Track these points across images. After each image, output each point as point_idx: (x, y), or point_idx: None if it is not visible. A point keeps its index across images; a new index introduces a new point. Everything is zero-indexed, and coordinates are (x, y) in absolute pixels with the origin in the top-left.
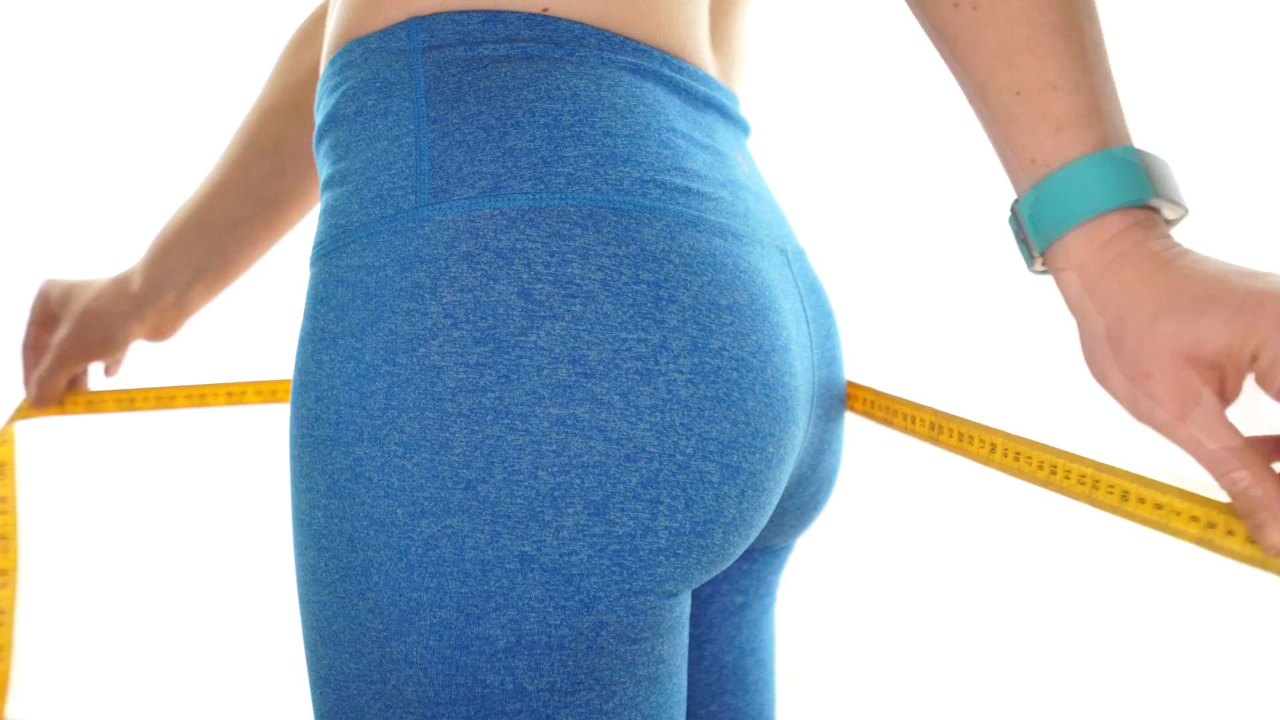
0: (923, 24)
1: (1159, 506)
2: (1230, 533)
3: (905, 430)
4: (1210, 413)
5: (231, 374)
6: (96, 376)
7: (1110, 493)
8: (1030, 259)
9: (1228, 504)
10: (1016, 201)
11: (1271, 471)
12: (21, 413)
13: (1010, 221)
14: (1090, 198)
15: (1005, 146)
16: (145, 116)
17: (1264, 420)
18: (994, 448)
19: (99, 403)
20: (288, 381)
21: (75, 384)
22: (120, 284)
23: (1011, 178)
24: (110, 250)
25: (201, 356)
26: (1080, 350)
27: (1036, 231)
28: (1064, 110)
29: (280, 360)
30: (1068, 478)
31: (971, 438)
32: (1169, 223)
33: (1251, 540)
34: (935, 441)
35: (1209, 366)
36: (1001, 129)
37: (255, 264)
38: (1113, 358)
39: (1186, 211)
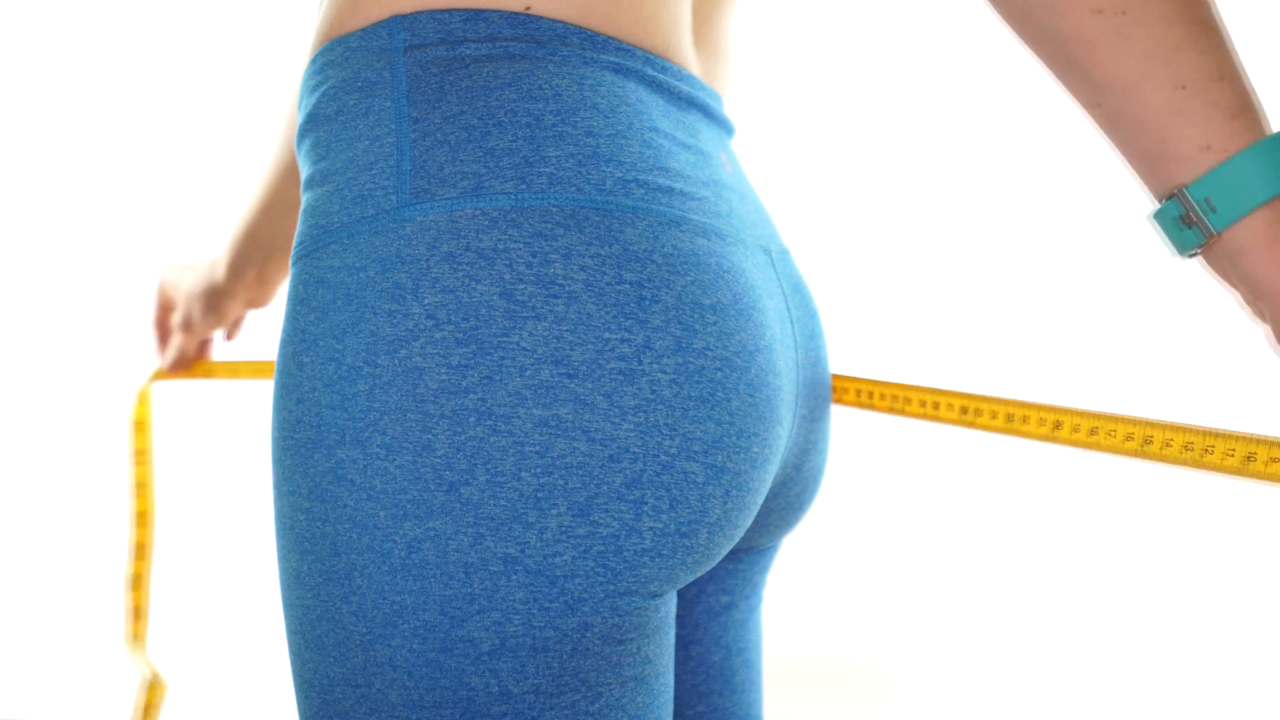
0: (1036, 31)
1: (1187, 447)
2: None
3: (898, 413)
4: None
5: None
6: (220, 344)
7: (1111, 436)
8: (1197, 244)
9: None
10: (1183, 189)
11: None
12: (157, 376)
13: (1159, 215)
14: (1272, 176)
15: (1163, 139)
16: (144, 117)
17: None
18: (995, 415)
19: (215, 370)
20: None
21: (202, 351)
22: (210, 268)
23: (1164, 171)
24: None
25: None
26: (1273, 329)
27: (1218, 213)
28: (1231, 99)
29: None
30: (1076, 431)
31: (974, 409)
32: None
33: None
34: (935, 419)
35: None
36: (1159, 123)
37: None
38: None
39: None
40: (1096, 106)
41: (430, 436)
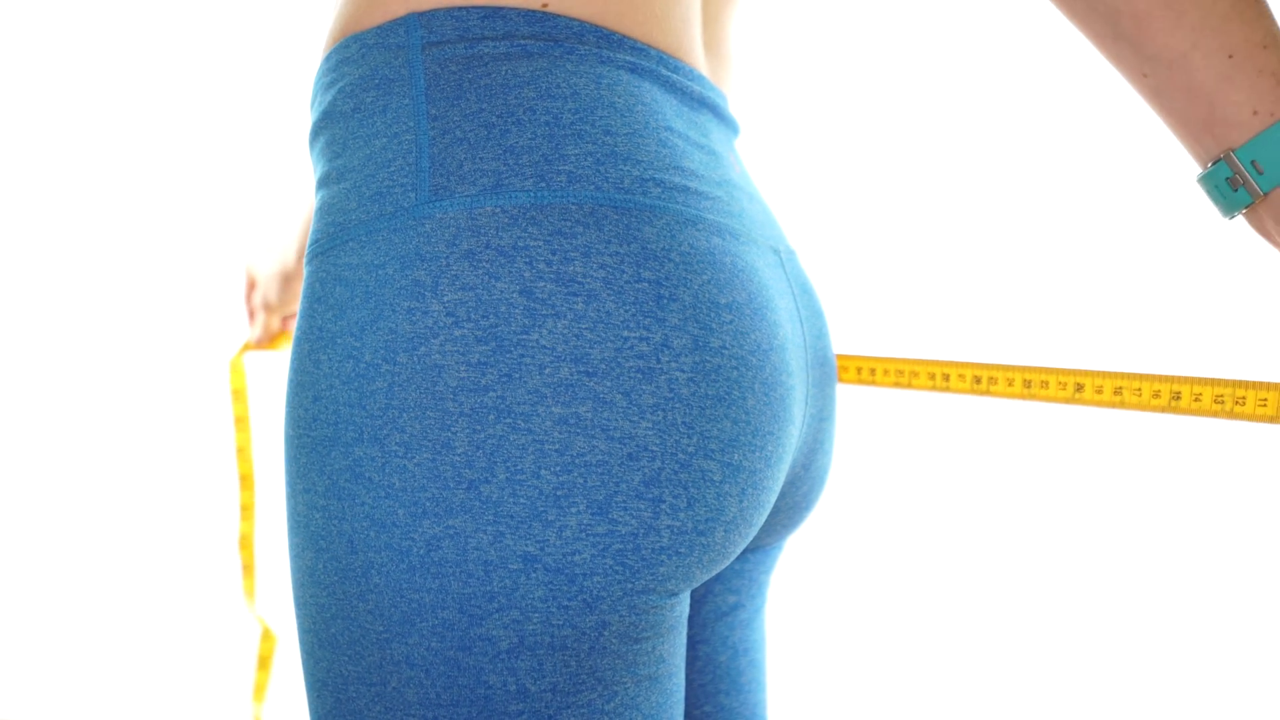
0: (1084, 7)
1: (1218, 400)
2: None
3: (904, 386)
4: None
5: (217, 387)
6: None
7: (1138, 395)
8: (1244, 205)
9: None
10: (1231, 153)
11: None
12: (246, 348)
13: (1208, 177)
14: None
15: (1212, 106)
16: (142, 116)
17: None
18: (1011, 381)
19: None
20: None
21: (285, 326)
22: (282, 252)
23: (1212, 135)
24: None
25: (188, 367)
26: None
27: (1265, 175)
28: (1277, 66)
29: (276, 366)
30: (1100, 393)
31: (988, 378)
32: None
33: None
34: (947, 389)
35: None
36: (1209, 91)
37: None
38: None
39: None
40: (1144, 77)
41: (449, 434)
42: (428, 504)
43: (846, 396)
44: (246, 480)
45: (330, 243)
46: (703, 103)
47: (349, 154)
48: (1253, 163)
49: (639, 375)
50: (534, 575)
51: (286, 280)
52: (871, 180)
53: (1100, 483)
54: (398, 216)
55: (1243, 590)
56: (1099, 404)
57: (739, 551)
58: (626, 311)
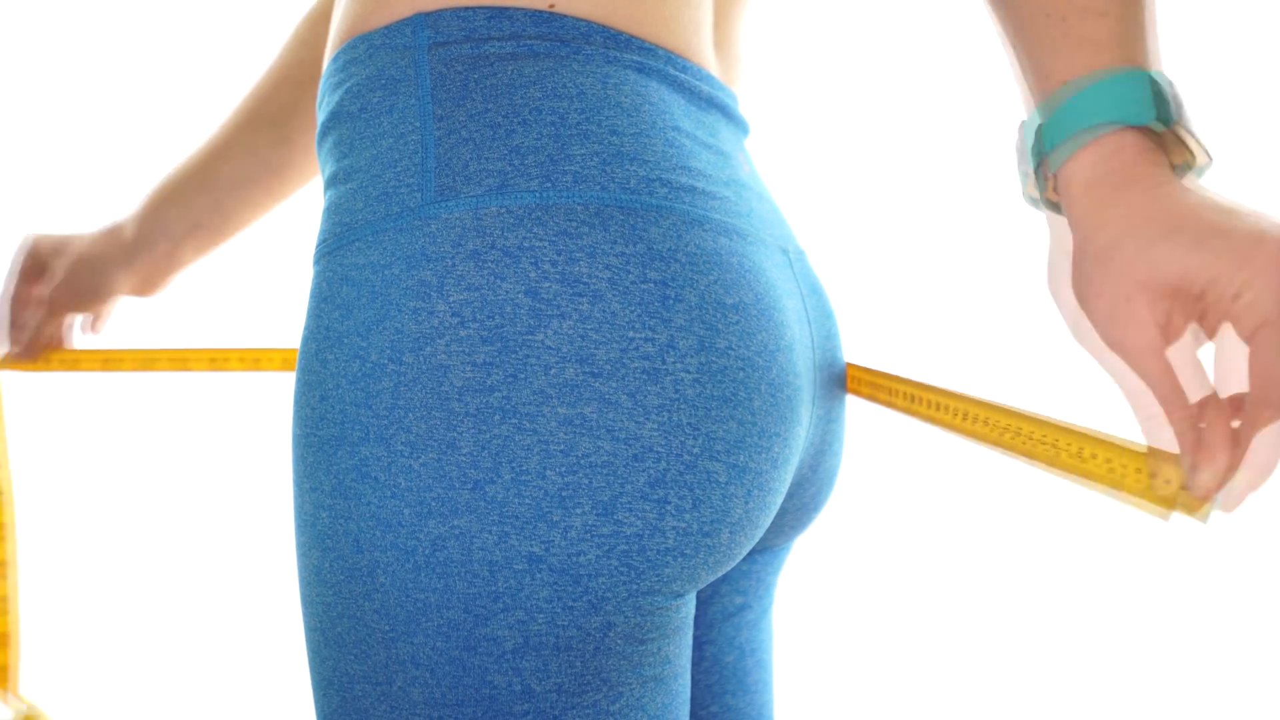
0: None
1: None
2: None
3: (905, 410)
4: (1180, 350)
5: (227, 385)
6: (80, 336)
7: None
8: (1032, 178)
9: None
10: (1034, 120)
11: (1190, 417)
12: (4, 364)
13: (1018, 145)
14: (1102, 111)
15: (1028, 67)
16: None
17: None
18: (989, 423)
19: (81, 361)
20: (271, 350)
21: (58, 341)
22: (113, 233)
23: (1032, 97)
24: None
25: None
26: (1069, 261)
27: (1049, 146)
28: (1090, 31)
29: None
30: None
31: (972, 416)
32: (1190, 169)
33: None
34: (933, 420)
35: (1192, 299)
36: (1028, 49)
37: (250, 226)
38: (1091, 275)
39: (1210, 160)
40: (1000, 25)
41: (455, 434)
42: (433, 504)
43: (854, 399)
44: (5, 529)
45: (337, 243)
46: (712, 102)
47: (355, 154)
48: (1046, 129)
49: (644, 376)
50: (539, 576)
51: (106, 270)
52: (885, 180)
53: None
54: (404, 217)
55: (1253, 596)
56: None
57: (745, 553)
58: (632, 312)
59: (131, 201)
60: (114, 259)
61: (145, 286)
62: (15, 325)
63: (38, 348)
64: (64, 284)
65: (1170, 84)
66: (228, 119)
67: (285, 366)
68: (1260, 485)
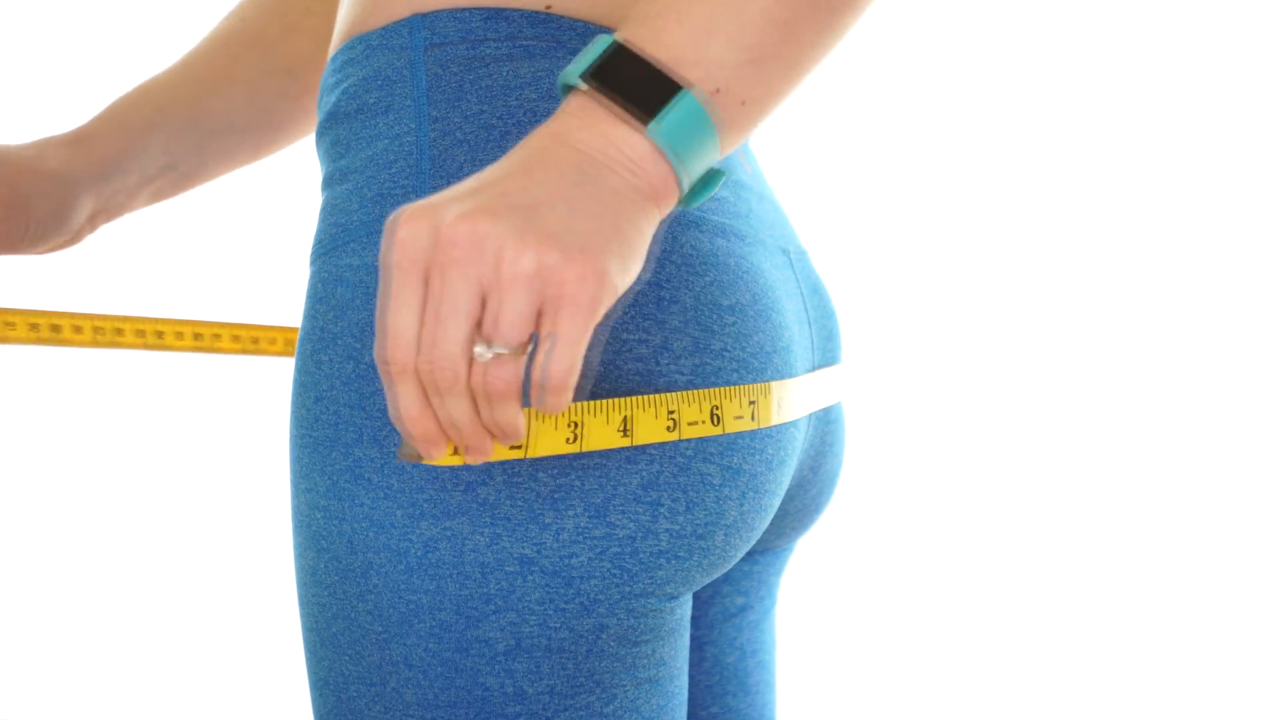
0: None
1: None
2: None
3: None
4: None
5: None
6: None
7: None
8: None
9: None
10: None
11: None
12: None
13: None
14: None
15: None
16: None
17: None
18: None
19: (15, 326)
20: (272, 329)
21: None
22: (80, 143)
23: None
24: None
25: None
26: None
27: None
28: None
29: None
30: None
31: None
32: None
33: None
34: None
35: None
36: None
37: (210, 182)
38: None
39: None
40: None
41: None
42: (425, 505)
43: (859, 399)
44: None
45: (332, 243)
46: None
47: (352, 155)
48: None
49: (637, 378)
50: (531, 578)
51: (59, 188)
52: (889, 179)
53: (1114, 484)
54: None
55: (1237, 591)
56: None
57: (741, 555)
58: (626, 314)
59: (99, 108)
60: (85, 178)
61: (91, 221)
62: None
63: None
64: (14, 206)
65: (618, 46)
66: (220, 48)
67: (287, 350)
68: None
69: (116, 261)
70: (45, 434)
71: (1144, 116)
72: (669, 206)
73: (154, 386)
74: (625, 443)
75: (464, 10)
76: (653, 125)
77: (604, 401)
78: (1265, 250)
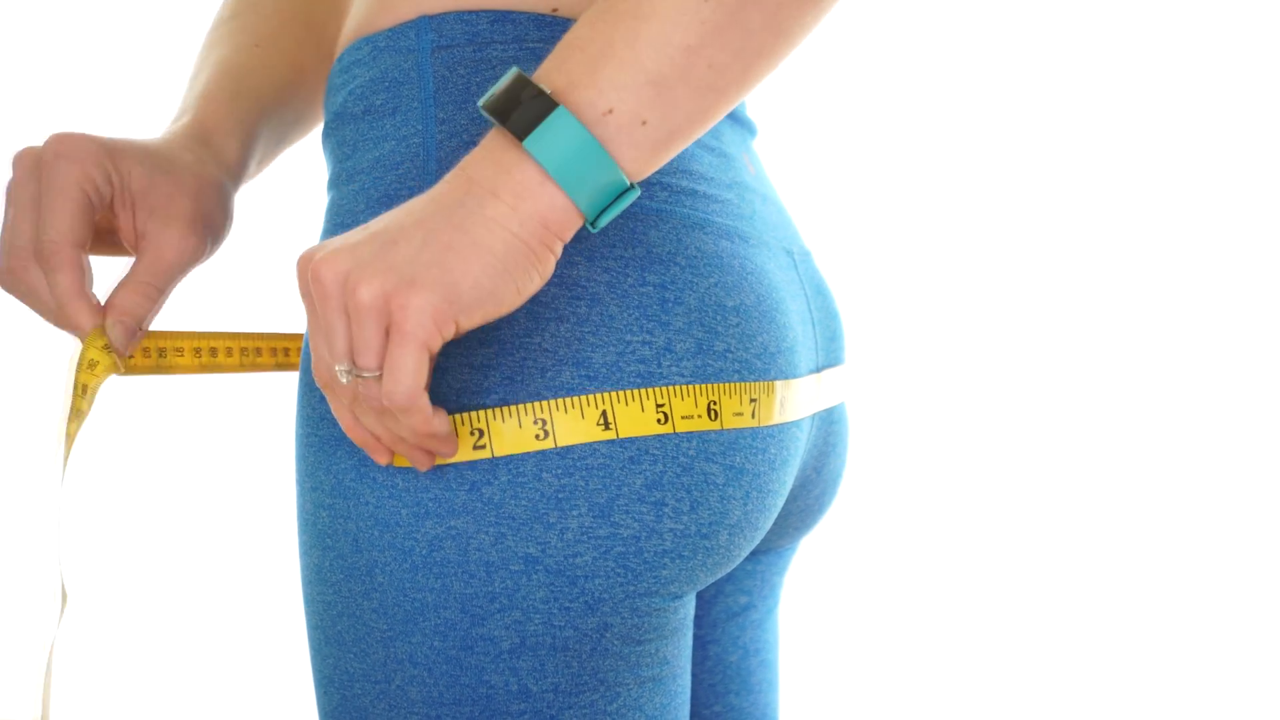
0: None
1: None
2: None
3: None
4: None
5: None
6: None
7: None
8: None
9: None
10: None
11: None
12: (101, 361)
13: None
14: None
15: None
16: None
17: None
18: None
19: (183, 354)
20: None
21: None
22: (208, 144)
23: None
24: None
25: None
26: None
27: None
28: (589, 46)
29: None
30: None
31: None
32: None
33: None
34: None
35: None
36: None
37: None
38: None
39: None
40: None
41: None
42: (430, 504)
43: (860, 400)
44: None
45: None
46: None
47: (358, 156)
48: None
49: (640, 380)
50: (535, 576)
51: (217, 192)
52: (892, 180)
53: (1115, 485)
54: None
55: (1237, 591)
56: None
57: (745, 554)
58: (630, 315)
59: (206, 99)
60: (231, 182)
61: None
62: (77, 291)
63: (135, 323)
64: (199, 223)
65: (514, 80)
66: (283, 30)
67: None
68: None
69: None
70: (44, 434)
71: (1145, 117)
72: (569, 229)
73: (155, 387)
74: (609, 435)
75: (471, 13)
76: (529, 142)
77: (576, 398)
78: (1265, 250)
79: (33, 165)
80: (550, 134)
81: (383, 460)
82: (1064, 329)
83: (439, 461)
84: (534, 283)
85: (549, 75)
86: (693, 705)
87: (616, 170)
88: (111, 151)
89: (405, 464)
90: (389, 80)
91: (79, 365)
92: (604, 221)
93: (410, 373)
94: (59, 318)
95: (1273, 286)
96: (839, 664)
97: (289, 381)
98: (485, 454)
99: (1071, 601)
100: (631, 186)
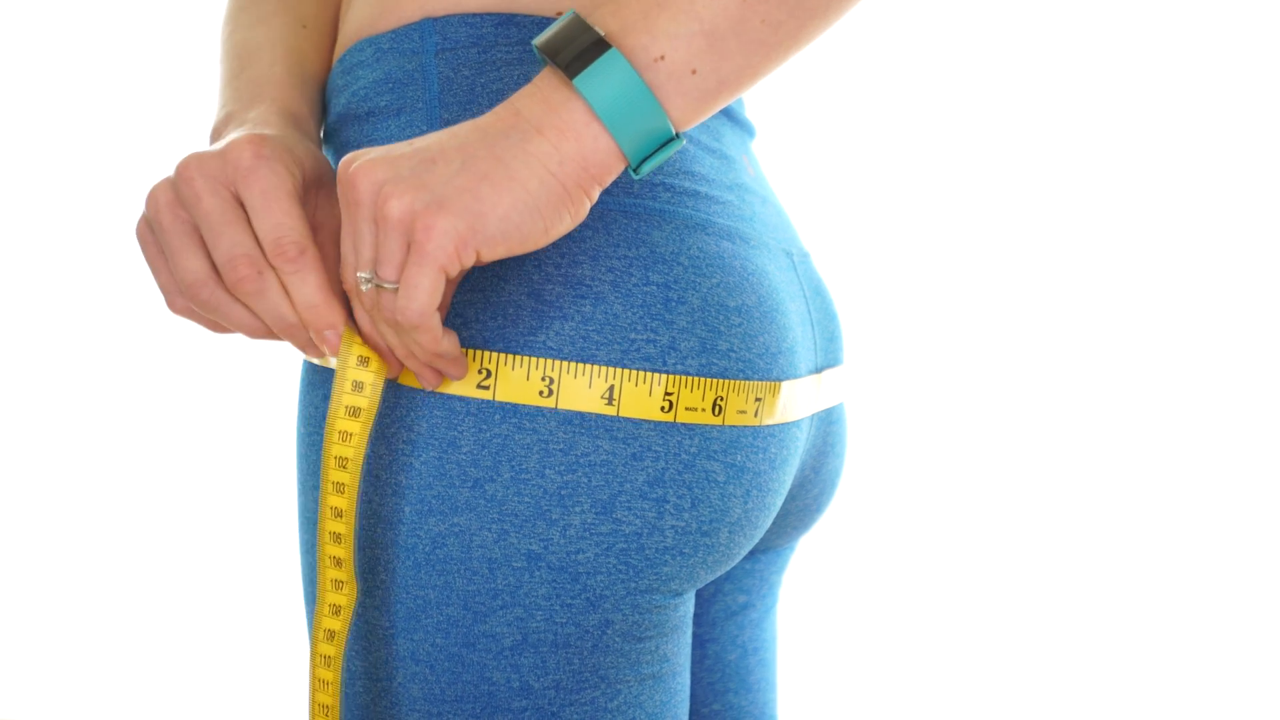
0: None
1: None
2: None
3: None
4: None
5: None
6: None
7: None
8: None
9: None
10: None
11: None
12: (371, 357)
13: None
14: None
15: None
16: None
17: None
18: None
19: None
20: None
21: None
22: (297, 127)
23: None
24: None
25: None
26: None
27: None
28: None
29: (286, 359)
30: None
31: None
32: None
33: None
34: None
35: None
36: None
37: None
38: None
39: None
40: None
41: (455, 433)
42: (433, 502)
43: (858, 400)
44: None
45: None
46: None
47: None
48: None
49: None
50: (537, 573)
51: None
52: (890, 181)
53: (1113, 485)
54: None
55: (1237, 591)
56: None
57: (745, 552)
58: (634, 314)
59: (277, 84)
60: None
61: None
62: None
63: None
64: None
65: (569, 22)
66: (320, 10)
67: None
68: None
69: (116, 263)
70: (45, 434)
71: (1145, 118)
72: (610, 173)
73: (157, 387)
74: (610, 411)
75: (475, 15)
76: (579, 81)
77: (587, 365)
78: (1265, 250)
79: (215, 175)
80: (600, 75)
81: (392, 372)
82: (1062, 329)
83: (444, 387)
84: (564, 224)
85: (604, 19)
86: (692, 703)
87: (663, 116)
88: (290, 148)
89: (413, 382)
90: (393, 82)
91: (347, 364)
92: (646, 169)
93: (425, 291)
94: (311, 316)
95: (1272, 286)
96: (837, 663)
97: (289, 381)
98: (488, 394)
99: (1069, 601)
100: (676, 136)
